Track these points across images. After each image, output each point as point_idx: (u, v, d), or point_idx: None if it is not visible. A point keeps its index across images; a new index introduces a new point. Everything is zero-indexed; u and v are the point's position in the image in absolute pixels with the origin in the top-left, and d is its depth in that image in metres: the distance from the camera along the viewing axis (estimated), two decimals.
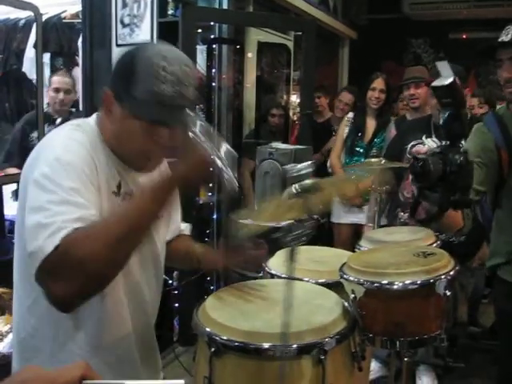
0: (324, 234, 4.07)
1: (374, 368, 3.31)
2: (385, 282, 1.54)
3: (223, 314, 1.53)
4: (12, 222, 2.85)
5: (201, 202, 3.98)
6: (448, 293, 1.55)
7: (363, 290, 1.56)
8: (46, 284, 1.19)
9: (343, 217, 4.17)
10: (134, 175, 1.49)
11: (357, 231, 4.01)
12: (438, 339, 1.55)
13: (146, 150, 1.42)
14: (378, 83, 4.05)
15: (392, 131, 3.94)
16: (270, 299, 1.62)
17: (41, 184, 1.25)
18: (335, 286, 1.76)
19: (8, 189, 3.44)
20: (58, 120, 3.63)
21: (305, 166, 1.44)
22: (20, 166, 3.33)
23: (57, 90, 3.62)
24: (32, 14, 4.15)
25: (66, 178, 1.26)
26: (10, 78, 4.52)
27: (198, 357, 1.55)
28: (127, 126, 1.38)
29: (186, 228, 1.82)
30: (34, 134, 3.58)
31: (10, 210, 3.05)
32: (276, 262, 2.00)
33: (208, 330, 1.48)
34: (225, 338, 1.43)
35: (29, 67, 4.28)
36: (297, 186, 1.36)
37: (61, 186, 1.24)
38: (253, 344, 1.41)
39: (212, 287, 4.19)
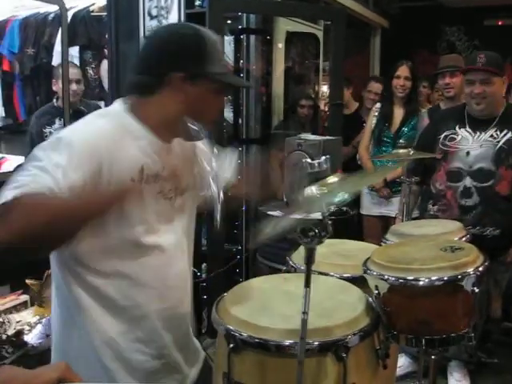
0: (353, 226, 4.00)
1: (404, 363, 3.24)
2: (410, 277, 1.48)
3: (242, 309, 1.50)
4: None
5: (229, 194, 3.94)
6: (476, 289, 1.49)
7: (387, 286, 1.51)
8: None
9: (372, 208, 4.09)
10: (174, 149, 1.55)
11: (387, 223, 3.92)
12: (466, 338, 1.49)
13: (215, 116, 1.63)
14: (403, 71, 3.96)
15: (425, 120, 3.85)
16: (291, 294, 1.58)
17: (34, 153, 1.35)
18: (360, 281, 1.71)
19: None
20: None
21: (322, 162, 1.38)
22: None
23: (69, 82, 3.61)
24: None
25: (57, 153, 1.32)
26: (40, 72, 4.57)
27: (217, 352, 1.53)
28: (205, 99, 1.49)
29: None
30: (49, 129, 3.60)
31: None
32: (300, 255, 1.95)
33: (227, 325, 1.45)
34: (244, 334, 1.40)
35: (58, 61, 4.31)
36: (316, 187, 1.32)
37: (49, 158, 1.31)
38: (272, 341, 1.38)
39: (241, 279, 4.17)
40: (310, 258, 1.34)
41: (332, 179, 1.34)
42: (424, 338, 1.51)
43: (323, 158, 1.39)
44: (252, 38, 4.12)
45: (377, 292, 1.52)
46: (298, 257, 1.96)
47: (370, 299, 1.56)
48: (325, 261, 1.84)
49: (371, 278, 1.57)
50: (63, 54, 2.86)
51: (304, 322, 1.30)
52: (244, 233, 4.07)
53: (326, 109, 5.20)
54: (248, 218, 4.09)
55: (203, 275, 3.74)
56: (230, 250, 4.06)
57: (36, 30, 4.52)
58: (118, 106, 1.53)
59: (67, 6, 4.37)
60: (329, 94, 4.44)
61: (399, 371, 3.05)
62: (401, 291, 1.51)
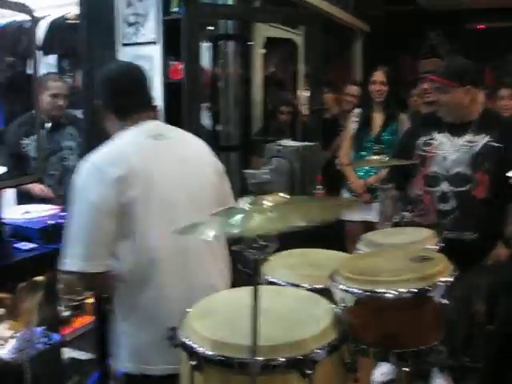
0: (335, 231, 3.97)
1: (387, 370, 3.21)
2: (377, 290, 1.45)
3: (206, 324, 1.45)
4: (14, 226, 2.81)
5: None
6: (445, 301, 1.45)
7: (354, 298, 1.48)
8: None
9: (354, 214, 4.07)
10: None
11: (369, 229, 3.89)
12: (436, 351, 1.45)
13: None
14: (378, 76, 3.96)
15: (406, 125, 3.84)
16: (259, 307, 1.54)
17: None
18: (330, 292, 1.67)
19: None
20: (49, 125, 3.58)
21: (262, 173, 1.34)
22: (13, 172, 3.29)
23: (55, 96, 3.57)
24: (39, 15, 4.17)
25: None
26: (17, 81, 4.51)
27: (180, 368, 1.48)
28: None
29: None
30: (26, 141, 3.54)
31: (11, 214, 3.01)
32: (274, 267, 1.91)
33: (189, 341, 1.41)
34: (206, 351, 1.36)
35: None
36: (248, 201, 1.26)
37: None
38: (236, 358, 1.34)
39: None
40: (255, 270, 1.30)
41: (270, 199, 1.25)
42: (393, 352, 1.48)
43: (265, 169, 1.34)
44: (230, 44, 4.09)
45: (343, 304, 1.48)
46: (270, 266, 1.93)
47: (338, 311, 1.52)
48: (294, 271, 1.80)
49: (337, 290, 1.53)
50: (35, 63, 2.81)
51: (253, 340, 1.26)
52: None
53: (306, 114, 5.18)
54: None
55: None
56: None
57: (12, 39, 4.46)
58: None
59: (43, 14, 4.35)
60: (308, 99, 4.42)
61: (382, 378, 3.02)
62: (368, 304, 1.47)
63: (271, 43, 4.61)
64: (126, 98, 1.92)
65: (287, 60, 5.02)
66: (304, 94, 4.90)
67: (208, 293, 1.67)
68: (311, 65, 4.32)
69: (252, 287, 1.25)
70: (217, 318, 1.48)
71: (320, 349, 1.37)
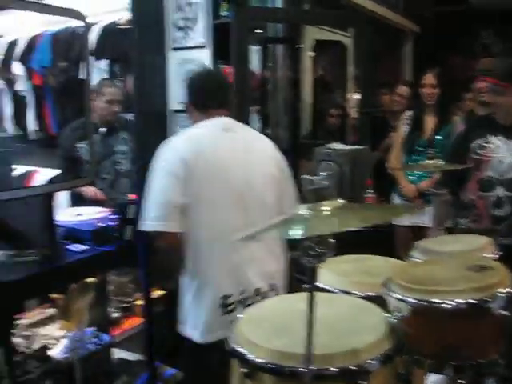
0: (384, 235, 3.90)
1: (438, 380, 3.12)
2: (433, 300, 1.40)
3: (257, 331, 1.44)
4: (67, 228, 2.87)
5: None
6: (506, 312, 1.39)
7: (410, 308, 1.43)
8: None
9: (404, 218, 3.98)
10: None
11: (419, 233, 3.81)
12: (495, 365, 1.40)
13: None
14: (428, 79, 3.87)
15: (459, 127, 3.74)
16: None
17: None
18: (383, 300, 1.63)
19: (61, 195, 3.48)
20: (103, 129, 3.62)
21: (321, 178, 1.31)
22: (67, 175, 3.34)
23: (110, 102, 3.62)
24: (91, 22, 4.25)
25: None
26: (70, 86, 4.60)
27: (231, 376, 1.47)
28: None
29: None
30: (80, 145, 3.60)
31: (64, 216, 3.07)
32: (323, 272, 1.88)
33: (240, 348, 1.39)
34: (258, 358, 1.35)
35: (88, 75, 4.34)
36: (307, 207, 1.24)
37: None
38: (287, 366, 1.32)
39: None
40: (311, 278, 1.27)
41: (329, 205, 1.24)
42: (450, 364, 1.42)
43: (323, 174, 1.31)
44: (280, 47, 4.07)
45: (398, 314, 1.44)
46: (325, 274, 1.89)
47: (393, 321, 1.48)
48: (347, 279, 1.77)
49: (392, 300, 1.49)
50: (86, 68, 2.85)
51: (308, 348, 1.24)
52: None
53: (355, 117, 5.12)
54: None
55: None
56: None
57: (66, 45, 4.56)
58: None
59: (96, 20, 4.43)
60: (358, 103, 4.36)
61: None
62: (424, 314, 1.43)
63: (320, 46, 4.57)
64: (206, 96, 2.31)
65: (336, 62, 4.97)
66: (353, 96, 4.85)
67: (263, 278, 2.08)
68: (361, 67, 4.25)
69: (308, 295, 1.22)
70: (268, 325, 1.47)
71: (374, 359, 1.34)
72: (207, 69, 3.07)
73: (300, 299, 1.64)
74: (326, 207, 1.22)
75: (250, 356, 1.37)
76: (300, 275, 3.48)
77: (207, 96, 2.32)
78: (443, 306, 1.39)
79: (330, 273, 1.87)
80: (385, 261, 2.11)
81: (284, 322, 1.48)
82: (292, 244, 1.20)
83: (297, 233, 1.18)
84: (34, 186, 3.12)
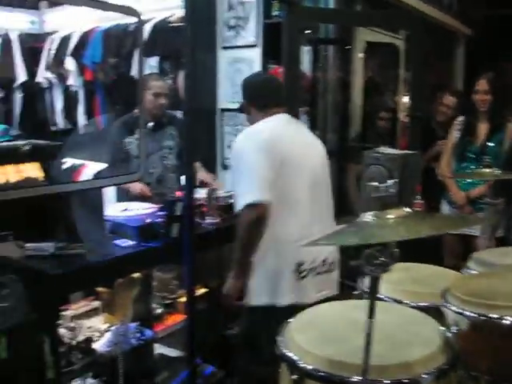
0: (431, 243, 3.80)
1: None
2: (493, 315, 1.35)
3: (308, 337, 1.41)
4: (114, 223, 2.90)
5: None
6: None
7: (468, 322, 1.38)
8: None
9: None
10: None
11: (469, 243, 3.72)
12: None
13: None
14: (481, 85, 3.75)
15: None
16: (360, 323, 1.48)
17: None
18: (436, 311, 1.59)
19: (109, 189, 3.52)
20: (151, 124, 3.63)
21: (389, 186, 1.27)
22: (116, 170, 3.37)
23: (157, 95, 3.62)
24: (143, 18, 4.28)
25: None
26: (120, 82, 4.66)
27: (281, 380, 1.45)
28: None
29: None
30: (129, 140, 3.62)
31: (111, 210, 3.10)
32: None
33: (291, 354, 1.37)
34: (308, 365, 1.32)
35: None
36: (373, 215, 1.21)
37: None
38: (338, 375, 1.29)
39: None
40: (373, 288, 1.24)
41: (394, 213, 1.20)
42: (507, 382, 1.37)
43: (391, 181, 1.27)
44: (330, 48, 4.03)
45: (456, 327, 1.39)
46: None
47: (448, 334, 1.43)
48: (399, 287, 1.72)
49: (450, 312, 1.44)
50: (140, 65, 2.87)
51: (366, 356, 1.20)
52: None
53: (405, 120, 5.03)
54: None
55: None
56: None
57: (117, 41, 4.61)
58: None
59: (147, 17, 4.46)
60: (409, 106, 4.27)
61: None
62: (483, 329, 1.38)
63: (371, 47, 4.50)
64: (269, 96, 2.58)
65: (388, 65, 4.89)
66: (404, 99, 4.77)
67: (328, 250, 2.40)
68: (412, 69, 4.17)
69: (368, 304, 1.19)
70: (319, 332, 1.44)
71: (428, 373, 1.30)
72: (261, 71, 3.34)
73: (352, 307, 1.61)
74: (391, 215, 1.18)
75: (300, 362, 1.34)
76: (350, 281, 3.45)
77: (269, 96, 2.59)
78: (502, 322, 1.34)
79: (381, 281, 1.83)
80: (435, 270, 2.06)
81: (335, 330, 1.45)
82: (354, 252, 1.17)
83: (359, 240, 1.14)
84: (84, 181, 3.15)
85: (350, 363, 1.30)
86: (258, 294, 2.37)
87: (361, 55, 4.45)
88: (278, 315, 2.22)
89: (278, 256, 2.33)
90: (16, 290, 2.47)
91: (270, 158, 2.30)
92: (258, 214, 2.24)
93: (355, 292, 1.88)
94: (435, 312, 1.57)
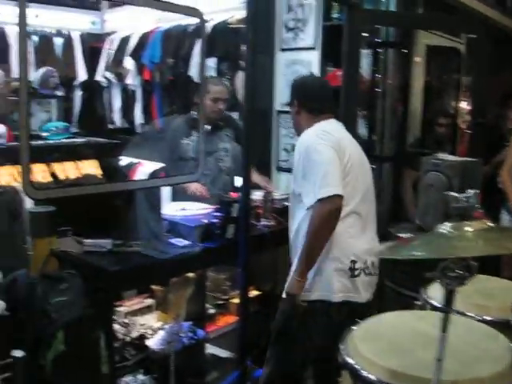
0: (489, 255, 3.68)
1: None
2: None
3: (372, 346, 1.38)
4: (171, 222, 2.92)
5: None
6: None
7: None
8: None
9: None
10: None
11: None
12: None
13: None
14: None
15: None
16: (426, 335, 1.44)
17: None
18: (505, 326, 1.53)
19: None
20: (208, 127, 3.63)
21: (470, 196, 1.22)
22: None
23: (216, 100, 3.62)
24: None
25: None
26: (178, 82, 4.71)
27: None
28: None
29: None
30: (186, 141, 3.63)
31: (168, 210, 3.12)
32: (438, 291, 1.79)
33: (354, 363, 1.34)
34: (372, 375, 1.29)
35: (196, 72, 4.42)
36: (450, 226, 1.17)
37: None
38: None
39: None
40: (449, 301, 1.19)
41: (472, 225, 1.16)
42: None
43: (472, 191, 1.23)
44: (390, 51, 3.96)
45: None
46: (434, 291, 1.80)
47: None
48: (466, 300, 1.67)
49: None
50: (202, 65, 2.89)
51: (438, 371, 1.16)
52: None
53: (464, 126, 4.90)
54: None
55: None
56: None
57: (176, 42, 4.66)
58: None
59: (206, 19, 4.49)
60: (470, 112, 4.16)
61: None
62: None
63: (432, 51, 4.40)
64: (322, 102, 2.59)
65: (449, 69, 4.78)
66: (464, 105, 4.65)
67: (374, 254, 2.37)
68: (474, 75, 4.07)
69: (442, 318, 1.15)
70: (384, 342, 1.41)
71: None
72: (314, 75, 3.28)
73: (417, 318, 1.57)
74: (470, 227, 1.14)
75: (363, 372, 1.31)
76: (391, 283, 3.38)
77: (325, 101, 2.60)
78: None
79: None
80: (501, 283, 1.99)
81: (401, 341, 1.42)
82: (428, 263, 1.14)
83: (438, 254, 1.11)
84: (143, 180, 3.18)
85: (416, 376, 1.26)
86: (311, 289, 2.38)
87: (421, 59, 4.36)
88: (332, 311, 2.34)
89: (335, 252, 2.36)
90: (74, 285, 2.51)
91: (340, 158, 2.36)
92: (335, 207, 2.26)
93: (417, 302, 1.83)
94: (503, 326, 1.51)
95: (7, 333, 2.44)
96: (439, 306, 1.70)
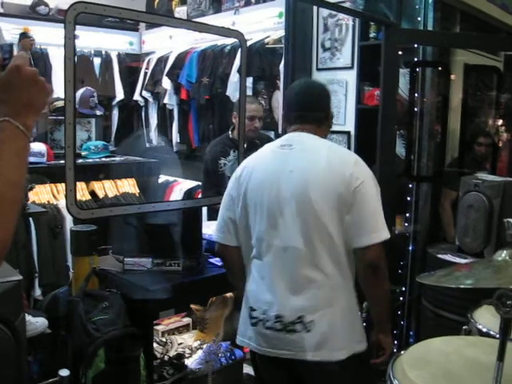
0: None
1: None
2: None
3: (423, 374, 1.36)
4: (209, 242, 2.93)
5: (396, 231, 3.78)
6: None
7: None
8: None
9: None
10: None
11: None
12: None
13: None
14: None
15: None
16: (478, 363, 1.41)
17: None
18: None
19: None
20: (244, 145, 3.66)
21: None
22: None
23: (251, 118, 3.65)
24: (237, 40, 4.37)
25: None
26: (214, 101, 4.76)
27: None
28: (328, 130, 2.21)
29: None
30: (223, 161, 3.66)
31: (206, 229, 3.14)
32: (487, 315, 1.76)
33: None
34: None
35: (232, 91, 4.46)
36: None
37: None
38: None
39: (402, 322, 3.97)
40: (505, 329, 1.17)
41: None
42: None
43: None
44: (428, 70, 3.93)
45: None
46: (482, 315, 1.77)
47: None
48: None
49: None
50: (241, 85, 2.91)
51: None
52: (409, 274, 3.86)
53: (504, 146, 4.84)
54: (415, 258, 3.87)
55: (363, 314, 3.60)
56: (394, 290, 3.87)
57: (213, 61, 4.72)
58: (312, 135, 2.06)
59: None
60: (507, 130, 4.10)
61: None
62: None
63: (471, 70, 4.37)
64: (289, 111, 2.20)
65: (488, 88, 4.73)
66: (503, 124, 4.59)
67: (290, 308, 1.94)
68: None
69: (499, 346, 1.13)
70: (434, 369, 1.38)
71: None
72: (303, 79, 2.82)
73: (466, 344, 1.54)
74: None
75: None
76: (429, 304, 3.31)
77: (292, 111, 2.14)
78: None
79: (491, 314, 1.74)
80: None
81: (450, 368, 1.39)
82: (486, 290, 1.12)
83: (492, 280, 1.09)
84: (183, 200, 3.21)
85: None
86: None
87: (459, 78, 4.33)
88: (254, 359, 2.19)
89: (245, 296, 2.15)
90: (116, 303, 2.53)
91: (236, 201, 2.14)
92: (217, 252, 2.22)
93: (465, 327, 1.79)
94: None
95: (50, 350, 2.48)
96: (490, 332, 1.67)
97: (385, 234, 1.89)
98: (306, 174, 1.95)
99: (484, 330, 1.69)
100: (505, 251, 1.16)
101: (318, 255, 1.91)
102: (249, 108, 3.67)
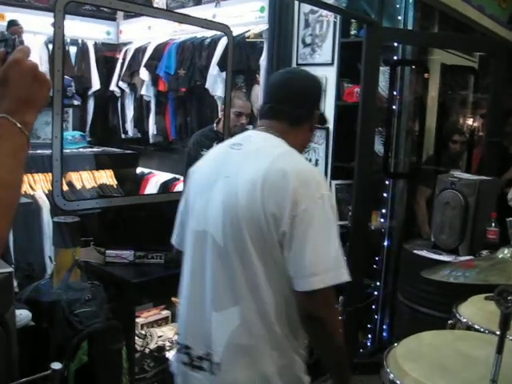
0: None
1: None
2: None
3: (417, 367, 1.40)
4: None
5: (373, 227, 3.84)
6: None
7: None
8: None
9: None
10: None
11: None
12: None
13: None
14: None
15: None
16: (469, 356, 1.46)
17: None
18: None
19: None
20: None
21: None
22: None
23: (239, 115, 3.64)
24: (218, 33, 4.35)
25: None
26: (193, 94, 4.74)
27: None
28: (309, 134, 1.73)
29: None
30: (205, 153, 3.65)
31: None
32: (471, 309, 1.81)
33: (398, 382, 1.36)
34: None
35: (211, 84, 4.44)
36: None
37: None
38: None
39: (376, 316, 4.04)
40: (505, 324, 1.21)
41: None
42: None
43: None
44: (406, 69, 4.00)
45: None
46: (467, 310, 1.82)
47: None
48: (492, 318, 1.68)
49: None
50: (227, 79, 2.91)
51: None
52: (384, 269, 3.93)
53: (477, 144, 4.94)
54: (390, 253, 3.94)
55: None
56: (368, 285, 3.94)
57: (192, 54, 4.69)
58: (273, 137, 1.63)
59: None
60: (484, 129, 4.20)
61: None
62: None
63: (447, 70, 4.45)
64: (262, 105, 1.79)
65: (463, 87, 4.83)
66: (478, 123, 4.69)
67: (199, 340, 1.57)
68: (491, 94, 4.11)
69: (498, 341, 1.17)
70: (428, 363, 1.42)
71: None
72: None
73: (456, 338, 1.58)
74: None
75: None
76: (404, 299, 3.35)
77: (263, 105, 1.75)
78: None
79: (474, 309, 1.80)
80: None
81: (444, 362, 1.43)
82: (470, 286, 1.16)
83: (494, 276, 1.13)
84: (162, 193, 3.19)
85: None
86: None
87: (436, 77, 4.40)
88: None
89: None
90: (98, 296, 2.52)
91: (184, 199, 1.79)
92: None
93: (450, 322, 1.84)
94: None
95: (33, 343, 2.45)
96: (475, 326, 1.72)
97: (333, 277, 1.41)
98: (238, 184, 1.54)
99: (469, 322, 1.74)
100: (506, 249, 1.20)
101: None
102: (237, 104, 3.67)
